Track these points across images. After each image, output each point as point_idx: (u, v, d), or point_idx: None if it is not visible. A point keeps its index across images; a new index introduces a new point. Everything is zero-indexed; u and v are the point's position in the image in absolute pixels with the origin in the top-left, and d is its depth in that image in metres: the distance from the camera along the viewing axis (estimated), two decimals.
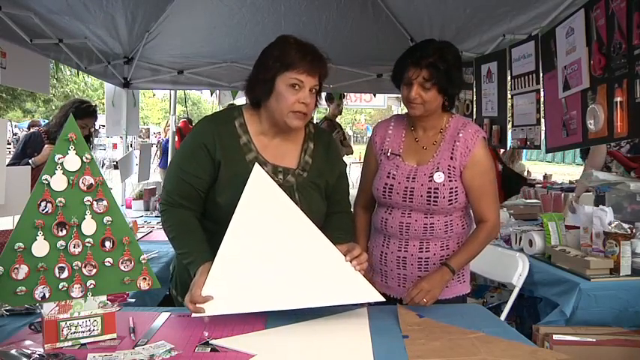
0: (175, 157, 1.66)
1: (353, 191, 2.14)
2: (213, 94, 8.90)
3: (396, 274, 1.80)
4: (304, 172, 1.63)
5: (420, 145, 1.76)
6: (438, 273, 1.68)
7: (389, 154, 1.78)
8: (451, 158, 1.70)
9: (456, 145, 1.70)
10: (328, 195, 1.69)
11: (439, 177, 1.69)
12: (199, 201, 1.59)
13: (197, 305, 1.38)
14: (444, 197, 1.69)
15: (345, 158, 5.73)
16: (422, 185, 1.70)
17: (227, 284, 1.40)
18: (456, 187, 1.70)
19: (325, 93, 6.17)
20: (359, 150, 11.01)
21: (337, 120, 6.06)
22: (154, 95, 26.77)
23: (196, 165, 1.57)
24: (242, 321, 1.43)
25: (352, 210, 1.87)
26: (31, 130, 4.39)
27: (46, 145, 3.48)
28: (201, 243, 1.52)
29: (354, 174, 11.98)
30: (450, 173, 1.69)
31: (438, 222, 1.73)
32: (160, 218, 3.85)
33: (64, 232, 1.28)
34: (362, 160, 2.02)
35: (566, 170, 15.23)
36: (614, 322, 2.14)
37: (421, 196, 1.70)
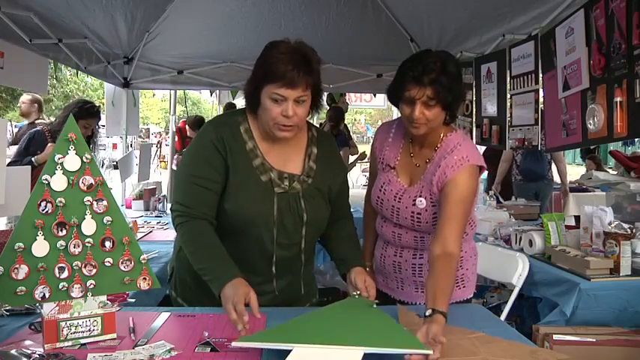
0: (183, 167, 1.59)
1: (353, 191, 2.14)
2: (213, 94, 8.93)
3: (393, 277, 1.80)
4: (309, 179, 1.60)
5: (414, 162, 1.72)
6: (436, 325, 1.29)
7: (384, 165, 1.76)
8: (431, 183, 1.63)
9: (437, 171, 1.62)
10: (331, 200, 1.67)
11: (421, 203, 1.65)
12: (215, 207, 1.53)
13: (240, 313, 1.29)
14: (427, 222, 1.66)
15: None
16: (406, 208, 1.68)
17: None
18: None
19: (326, 93, 6.17)
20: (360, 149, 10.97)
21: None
22: (154, 95, 26.74)
23: (209, 167, 1.51)
24: None
25: (352, 209, 1.86)
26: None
27: (49, 144, 3.49)
28: (223, 259, 1.45)
29: (354, 174, 11.95)
30: (432, 199, 1.65)
31: (429, 236, 1.69)
32: (159, 218, 3.85)
33: (64, 232, 1.28)
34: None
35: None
36: (614, 322, 2.15)
37: (406, 218, 1.68)
